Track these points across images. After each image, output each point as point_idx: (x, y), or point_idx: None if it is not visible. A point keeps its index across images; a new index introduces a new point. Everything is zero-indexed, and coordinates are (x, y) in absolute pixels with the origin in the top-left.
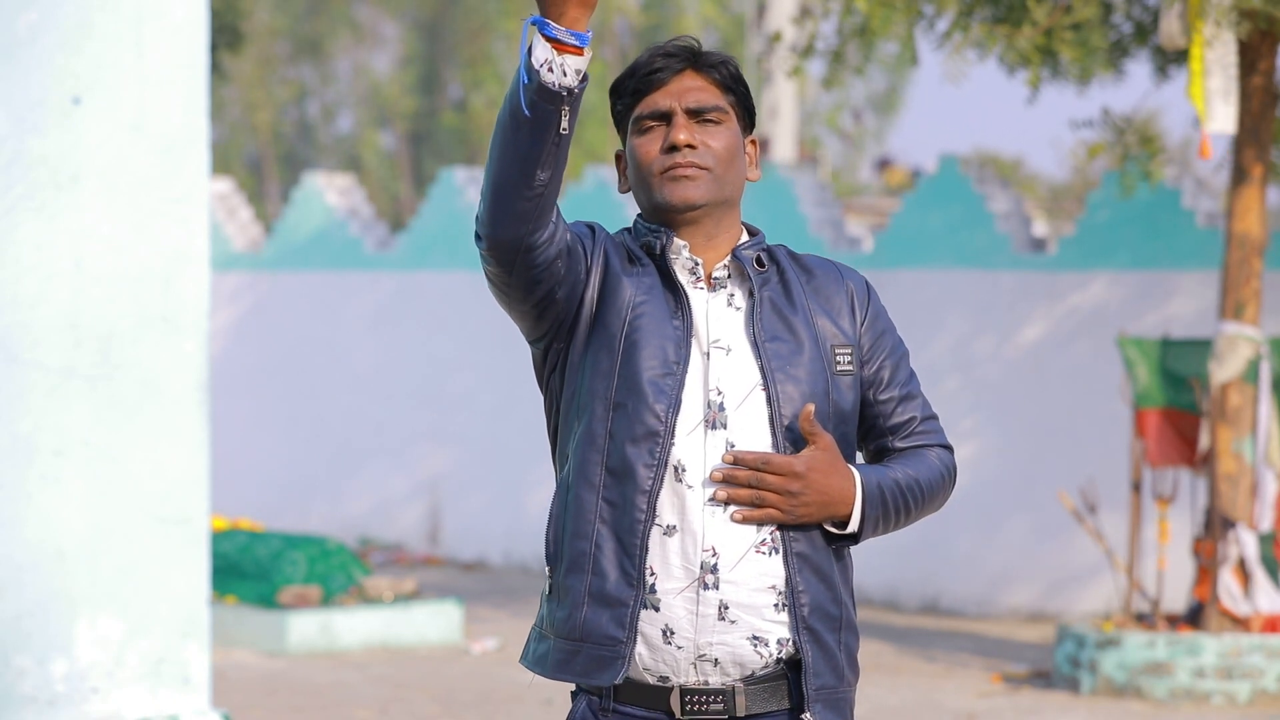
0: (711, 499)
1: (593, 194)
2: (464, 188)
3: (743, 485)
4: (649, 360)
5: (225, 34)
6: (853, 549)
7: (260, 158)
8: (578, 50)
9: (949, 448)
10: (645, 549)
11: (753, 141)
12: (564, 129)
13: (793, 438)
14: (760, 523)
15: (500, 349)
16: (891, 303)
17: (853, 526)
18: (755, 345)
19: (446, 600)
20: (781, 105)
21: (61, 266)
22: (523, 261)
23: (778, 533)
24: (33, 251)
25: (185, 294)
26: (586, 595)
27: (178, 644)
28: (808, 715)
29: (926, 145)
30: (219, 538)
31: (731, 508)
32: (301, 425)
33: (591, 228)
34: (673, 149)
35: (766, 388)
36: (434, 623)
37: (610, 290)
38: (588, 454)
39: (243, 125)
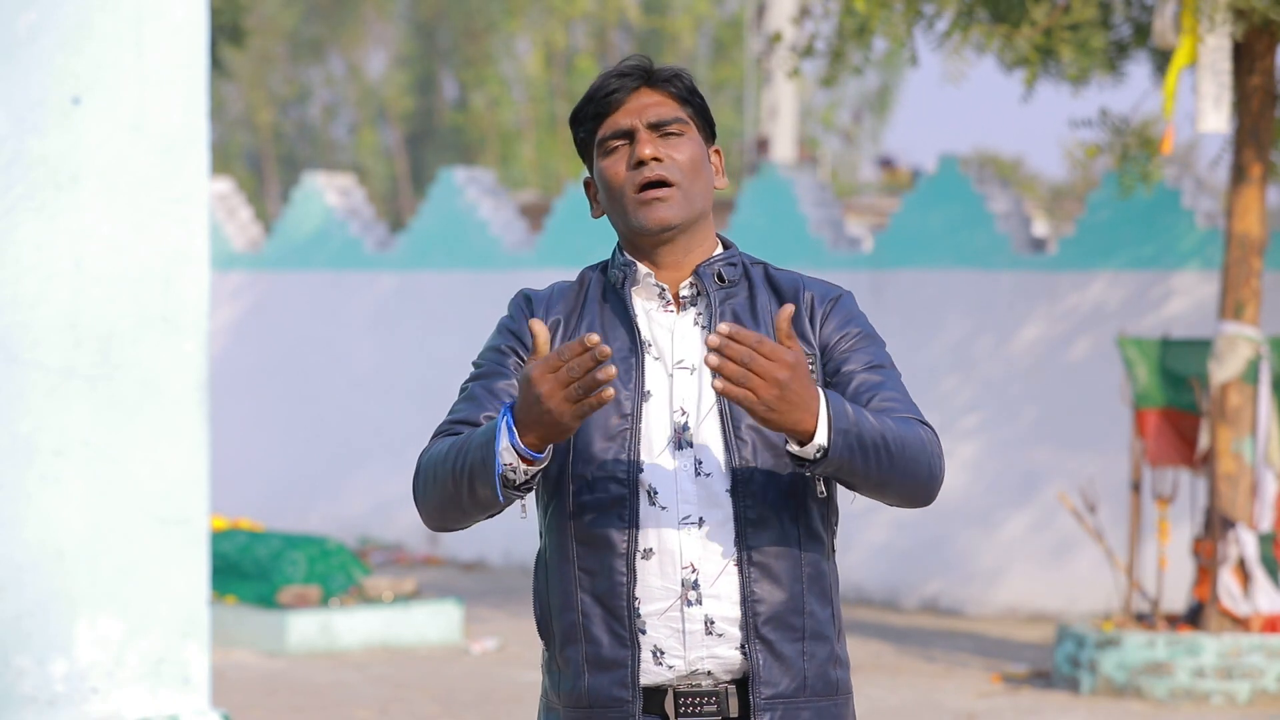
0: (709, 423)
1: None
2: (464, 187)
3: (734, 361)
4: (598, 429)
5: (226, 30)
6: (851, 550)
7: (261, 157)
8: (535, 461)
9: (931, 428)
10: (633, 610)
11: (717, 151)
12: (522, 515)
13: (747, 449)
14: (737, 401)
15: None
16: (891, 303)
17: (821, 434)
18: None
19: (446, 600)
20: (781, 105)
21: (61, 266)
22: None
23: (743, 543)
24: (33, 251)
25: (185, 294)
26: (585, 664)
27: (177, 644)
28: None
29: (925, 145)
30: (219, 538)
31: (708, 525)
32: (301, 425)
33: (530, 316)
34: (639, 165)
35: (718, 400)
36: (434, 623)
37: None
38: (557, 527)
39: (243, 125)
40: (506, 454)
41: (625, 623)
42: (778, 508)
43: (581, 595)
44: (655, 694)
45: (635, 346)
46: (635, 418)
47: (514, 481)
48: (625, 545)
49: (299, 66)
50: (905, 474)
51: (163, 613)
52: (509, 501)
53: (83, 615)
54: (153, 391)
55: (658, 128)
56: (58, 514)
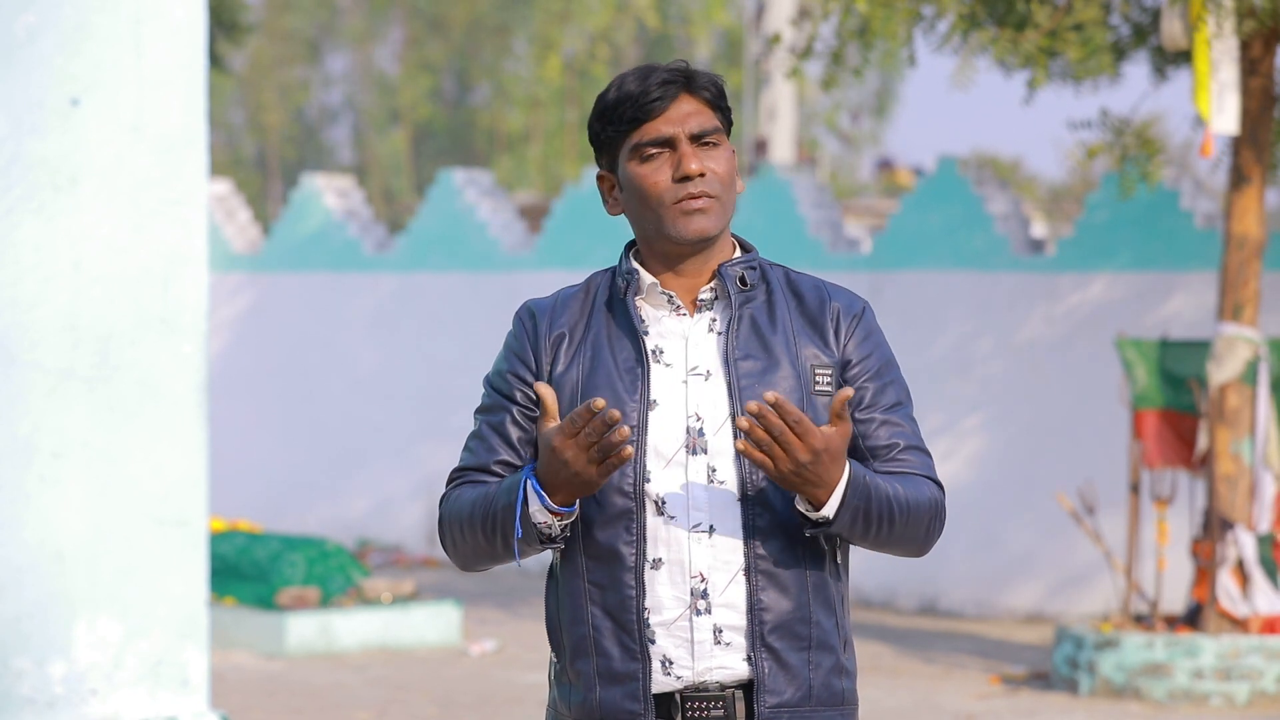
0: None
1: (589, 195)
2: (463, 189)
3: (767, 429)
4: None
5: (224, 28)
6: (850, 552)
7: (266, 159)
8: (567, 515)
9: (939, 485)
10: (643, 623)
11: (732, 151)
12: (555, 561)
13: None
14: (756, 465)
15: (498, 350)
16: (890, 304)
17: (830, 507)
18: (727, 364)
19: (445, 602)
20: (780, 107)
21: (60, 268)
22: None
23: (751, 551)
24: (32, 253)
25: (184, 295)
26: (596, 677)
27: (176, 646)
28: None
29: (924, 145)
30: (218, 539)
31: (719, 533)
32: (300, 426)
33: (534, 334)
34: (685, 179)
35: (731, 406)
36: (432, 624)
37: (557, 385)
38: (566, 541)
39: (248, 127)
40: (539, 514)
41: (635, 636)
42: (787, 518)
43: (592, 609)
44: (663, 701)
45: (641, 357)
46: (641, 429)
47: (549, 534)
48: (633, 559)
49: (307, 68)
50: (902, 540)
51: (161, 614)
52: (534, 552)
53: (81, 617)
54: (151, 393)
55: (698, 139)
56: (56, 515)
